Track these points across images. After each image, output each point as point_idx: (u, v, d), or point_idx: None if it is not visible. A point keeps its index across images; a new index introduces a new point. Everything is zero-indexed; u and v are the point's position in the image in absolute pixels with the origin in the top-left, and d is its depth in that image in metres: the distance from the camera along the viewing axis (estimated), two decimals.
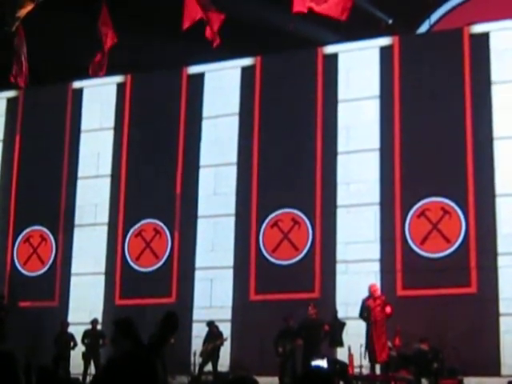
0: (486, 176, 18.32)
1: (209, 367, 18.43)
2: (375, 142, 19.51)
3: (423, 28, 20.93)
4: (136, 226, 21.43)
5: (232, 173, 20.78)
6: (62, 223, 22.23)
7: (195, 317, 20.10)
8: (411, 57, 19.69)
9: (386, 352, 16.50)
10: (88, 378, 18.64)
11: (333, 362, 16.26)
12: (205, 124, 21.37)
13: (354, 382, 16.31)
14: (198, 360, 18.50)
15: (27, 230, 22.66)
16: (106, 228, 21.83)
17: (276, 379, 17.04)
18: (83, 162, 22.44)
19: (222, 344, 18.49)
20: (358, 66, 20.08)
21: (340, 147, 19.84)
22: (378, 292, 17.14)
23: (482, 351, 17.21)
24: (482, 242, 18.12)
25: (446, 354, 16.15)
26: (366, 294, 17.10)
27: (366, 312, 16.85)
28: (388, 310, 16.62)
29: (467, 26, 19.36)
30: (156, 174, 21.43)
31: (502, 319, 17.60)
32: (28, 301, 21.53)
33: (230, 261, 20.24)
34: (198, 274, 20.52)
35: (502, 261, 17.88)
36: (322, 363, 15.55)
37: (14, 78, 19.27)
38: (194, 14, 17.46)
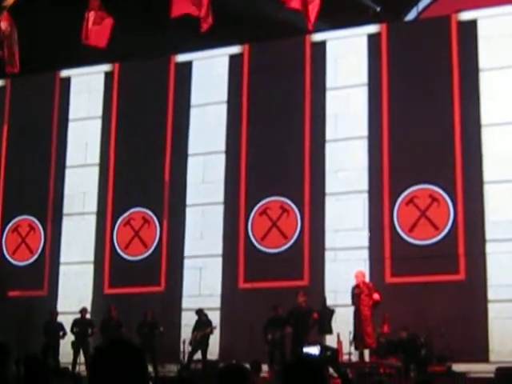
0: (475, 163, 18.35)
1: (198, 355, 18.45)
2: (363, 130, 19.52)
3: (411, 15, 20.92)
4: (125, 215, 21.40)
5: (220, 161, 20.76)
6: (51, 212, 22.17)
7: (184, 305, 20.11)
8: (399, 44, 19.69)
9: (373, 339, 16.54)
10: (77, 367, 18.64)
11: (324, 348, 16.27)
12: (193, 112, 21.33)
13: (343, 368, 16.32)
14: (188, 348, 18.50)
15: (15, 219, 22.60)
16: (94, 217, 21.79)
17: (265, 367, 17.05)
18: (71, 151, 22.39)
19: (211, 332, 18.49)
20: (346, 54, 20.07)
21: (328, 135, 19.84)
22: (364, 278, 17.17)
23: (471, 338, 17.26)
24: (470, 228, 18.17)
25: (434, 340, 16.19)
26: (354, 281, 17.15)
27: (353, 299, 16.90)
28: (376, 296, 16.67)
29: (455, 13, 19.37)
30: (144, 163, 21.38)
31: (490, 306, 17.66)
32: (17, 290, 21.47)
33: (219, 249, 20.24)
34: (186, 263, 20.52)
35: (490, 247, 17.94)
36: (314, 350, 15.57)
37: (7, 65, 19.04)
38: (183, 3, 17.35)
